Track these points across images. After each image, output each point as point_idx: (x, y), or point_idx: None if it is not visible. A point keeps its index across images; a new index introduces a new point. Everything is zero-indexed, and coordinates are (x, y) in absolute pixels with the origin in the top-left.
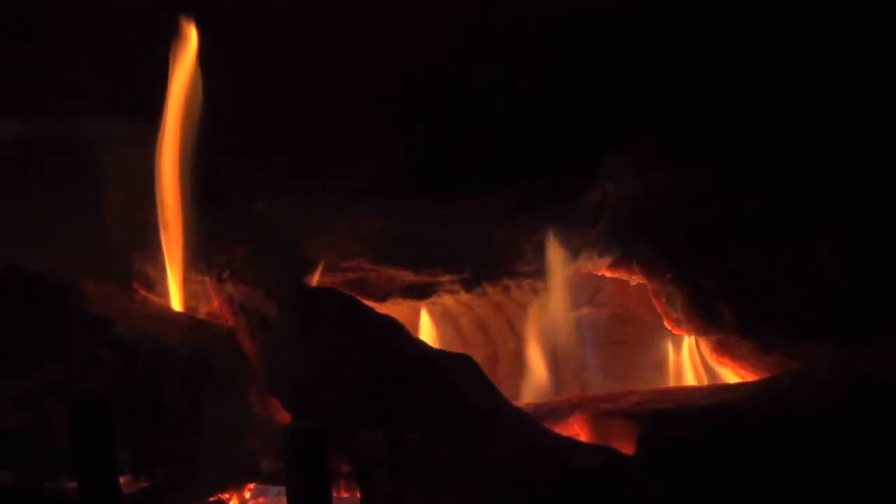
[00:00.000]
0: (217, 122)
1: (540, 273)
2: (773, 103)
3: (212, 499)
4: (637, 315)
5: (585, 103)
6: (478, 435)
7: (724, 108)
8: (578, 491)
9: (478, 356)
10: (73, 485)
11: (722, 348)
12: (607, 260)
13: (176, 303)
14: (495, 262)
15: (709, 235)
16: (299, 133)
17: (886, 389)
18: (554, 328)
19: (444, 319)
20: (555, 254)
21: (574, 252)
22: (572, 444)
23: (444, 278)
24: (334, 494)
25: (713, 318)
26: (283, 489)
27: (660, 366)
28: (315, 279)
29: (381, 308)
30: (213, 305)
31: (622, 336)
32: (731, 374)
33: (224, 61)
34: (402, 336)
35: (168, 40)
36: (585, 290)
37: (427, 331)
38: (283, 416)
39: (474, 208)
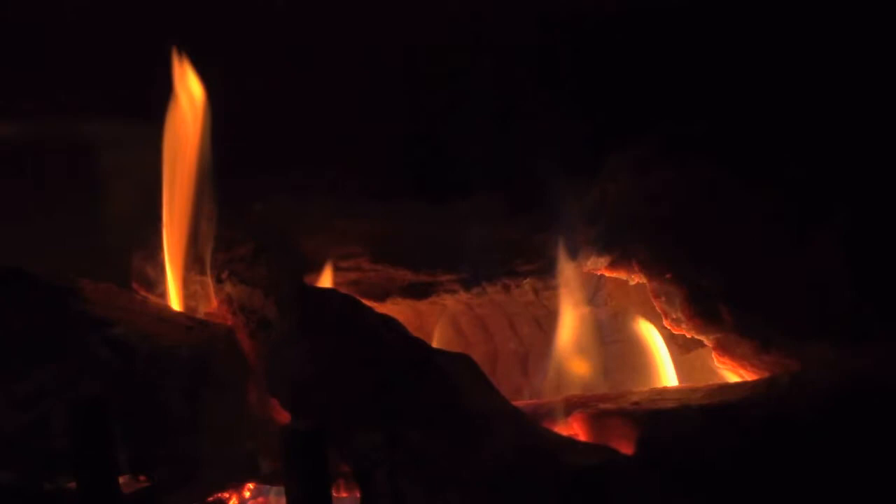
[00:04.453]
0: (217, 122)
1: (539, 272)
2: (774, 103)
3: (211, 499)
4: (637, 315)
5: (585, 102)
6: (477, 435)
7: (725, 107)
8: (577, 491)
9: (478, 356)
10: (72, 485)
11: (721, 348)
12: (607, 259)
13: (175, 303)
14: (494, 261)
15: (708, 235)
16: (299, 133)
17: (886, 389)
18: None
19: (444, 319)
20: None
21: (573, 251)
22: (571, 443)
23: (444, 278)
24: (334, 494)
25: (712, 317)
26: (282, 489)
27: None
28: (318, 280)
29: (381, 308)
30: (212, 306)
31: (622, 336)
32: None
33: (224, 62)
34: (402, 335)
35: (170, 42)
36: (585, 290)
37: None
38: (283, 416)
39: (473, 208)
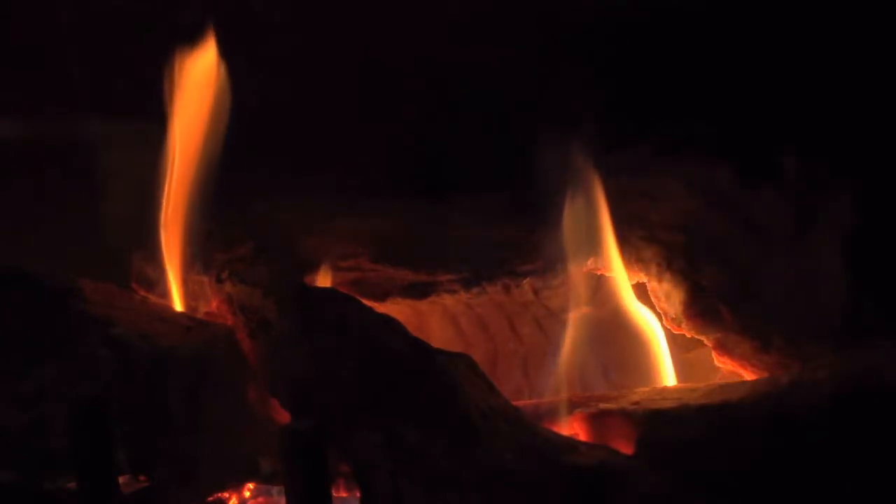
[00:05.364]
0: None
1: (539, 272)
2: (773, 104)
3: (211, 499)
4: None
5: (586, 103)
6: (477, 434)
7: (725, 108)
8: (577, 490)
9: (478, 356)
10: (72, 485)
11: (721, 348)
12: (606, 259)
13: (176, 303)
14: (494, 261)
15: (708, 235)
16: (299, 133)
17: (886, 389)
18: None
19: (444, 319)
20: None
21: (573, 250)
22: (571, 443)
23: (444, 278)
24: (334, 494)
25: (712, 317)
26: (282, 489)
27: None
28: (318, 280)
29: (381, 308)
30: (212, 305)
31: (622, 335)
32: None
33: (224, 63)
34: (402, 335)
35: (172, 40)
36: (585, 290)
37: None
38: (283, 416)
39: (473, 208)
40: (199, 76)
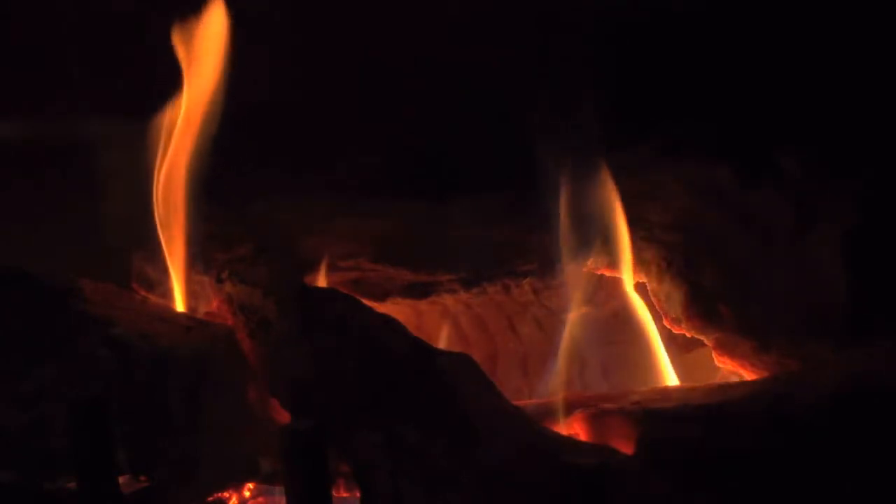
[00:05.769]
0: (217, 121)
1: (539, 272)
2: (773, 104)
3: (211, 499)
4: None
5: (586, 103)
6: (477, 434)
7: (725, 108)
8: (577, 490)
9: (478, 356)
10: (72, 485)
11: (721, 347)
12: (606, 259)
13: (179, 303)
14: (494, 261)
15: (708, 235)
16: (299, 133)
17: (886, 389)
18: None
19: (444, 319)
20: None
21: (573, 251)
22: (572, 443)
23: (444, 278)
24: (334, 494)
25: (712, 317)
26: (282, 489)
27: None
28: (318, 280)
29: (381, 307)
30: (212, 305)
31: (622, 335)
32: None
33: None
34: (402, 335)
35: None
36: (585, 290)
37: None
38: (283, 416)
39: (473, 208)
40: (205, 46)
